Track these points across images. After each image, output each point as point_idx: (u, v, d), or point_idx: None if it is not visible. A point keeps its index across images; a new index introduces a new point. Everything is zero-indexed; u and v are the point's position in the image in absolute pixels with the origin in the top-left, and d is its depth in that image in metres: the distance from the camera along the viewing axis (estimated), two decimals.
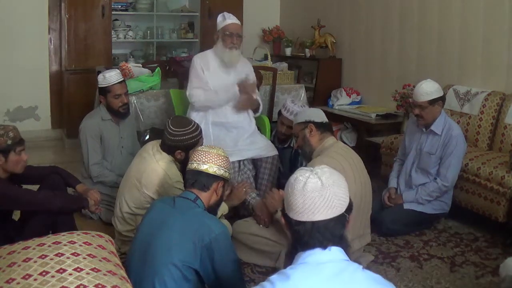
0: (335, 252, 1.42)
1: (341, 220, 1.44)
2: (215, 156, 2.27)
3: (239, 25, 3.79)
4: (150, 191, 2.90)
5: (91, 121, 3.64)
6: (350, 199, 1.48)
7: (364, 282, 1.37)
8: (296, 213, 1.44)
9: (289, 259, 1.50)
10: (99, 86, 3.62)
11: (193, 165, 2.27)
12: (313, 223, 1.42)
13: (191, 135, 2.90)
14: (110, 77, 3.58)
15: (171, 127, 2.91)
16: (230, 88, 3.67)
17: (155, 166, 2.90)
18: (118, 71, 3.71)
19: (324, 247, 1.41)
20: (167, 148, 2.93)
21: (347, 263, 1.41)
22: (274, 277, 1.39)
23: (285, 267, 1.46)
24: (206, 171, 2.24)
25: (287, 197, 1.47)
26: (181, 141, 2.88)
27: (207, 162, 2.25)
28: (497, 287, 2.71)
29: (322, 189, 1.42)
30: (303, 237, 1.43)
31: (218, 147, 2.37)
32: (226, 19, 3.72)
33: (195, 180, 2.24)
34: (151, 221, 2.18)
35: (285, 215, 1.49)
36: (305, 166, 2.87)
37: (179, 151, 2.91)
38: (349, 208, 1.47)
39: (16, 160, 2.69)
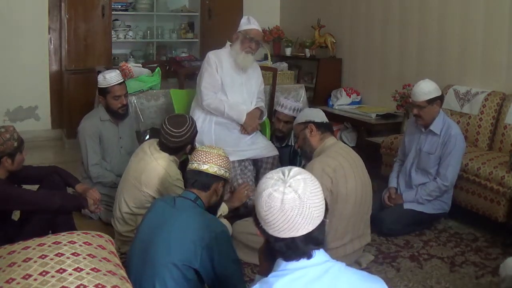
0: (318, 256, 1.38)
1: (322, 227, 1.39)
2: (216, 156, 2.28)
3: (261, 32, 3.82)
4: (150, 190, 2.90)
5: (90, 122, 3.63)
6: (325, 201, 1.41)
7: (348, 279, 1.36)
8: (276, 231, 1.36)
9: (265, 262, 1.47)
10: (99, 86, 3.60)
11: (194, 165, 2.27)
12: (294, 238, 1.35)
13: (192, 128, 2.98)
14: (110, 78, 3.56)
15: (172, 129, 2.91)
16: (239, 111, 3.70)
17: (154, 165, 2.91)
18: (118, 71, 3.70)
19: (308, 256, 1.37)
20: (174, 149, 2.96)
21: (330, 263, 1.38)
22: (256, 286, 1.36)
23: (262, 268, 1.44)
24: (207, 171, 2.25)
25: (262, 214, 1.36)
26: (187, 138, 2.95)
27: (208, 162, 2.25)
28: (497, 287, 2.71)
29: (302, 205, 1.33)
30: (286, 251, 1.37)
31: (218, 147, 2.38)
32: (250, 23, 3.71)
33: (196, 180, 2.24)
34: (151, 221, 2.18)
35: (261, 229, 1.40)
36: (305, 166, 2.89)
37: (189, 146, 3.00)
38: (326, 212, 1.41)
39: (21, 159, 2.75)
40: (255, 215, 1.42)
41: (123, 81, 3.67)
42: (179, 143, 2.93)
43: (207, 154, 2.27)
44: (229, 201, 3.09)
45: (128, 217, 2.99)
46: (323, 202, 1.39)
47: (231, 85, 3.73)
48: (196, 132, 3.04)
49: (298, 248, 1.36)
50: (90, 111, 3.90)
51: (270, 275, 1.38)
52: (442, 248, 3.28)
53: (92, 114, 3.73)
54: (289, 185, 1.35)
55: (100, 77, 3.60)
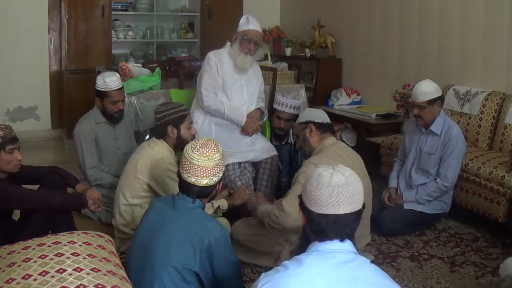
0: (348, 245, 1.51)
1: (359, 215, 1.53)
2: (213, 169, 2.14)
3: (260, 32, 3.77)
4: (145, 177, 2.96)
5: (85, 125, 3.61)
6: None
7: (372, 272, 1.45)
8: (320, 207, 1.49)
9: (300, 250, 1.56)
10: (97, 88, 3.57)
11: (191, 179, 2.13)
12: (336, 216, 1.49)
13: (176, 109, 3.04)
14: (110, 82, 3.53)
15: (158, 107, 3.11)
16: (239, 114, 3.70)
17: (149, 151, 3.01)
18: (119, 76, 3.66)
19: (342, 239, 1.50)
20: (159, 129, 3.03)
21: (356, 255, 1.50)
22: (287, 262, 1.46)
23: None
24: (207, 185, 2.15)
25: (309, 192, 1.52)
26: (168, 115, 3.00)
27: (207, 177, 2.13)
28: (497, 287, 2.71)
29: (347, 185, 1.50)
30: (324, 229, 1.49)
31: (211, 152, 2.14)
32: (249, 23, 3.66)
33: (197, 191, 2.16)
34: (150, 222, 2.18)
35: (304, 208, 1.55)
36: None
37: (171, 127, 3.00)
38: (364, 205, 1.56)
39: (7, 159, 2.65)
40: (300, 197, 1.58)
41: (122, 86, 3.65)
42: (161, 118, 3.01)
43: (205, 170, 2.12)
44: (230, 199, 3.10)
45: (124, 209, 3.02)
46: (363, 193, 1.55)
47: (231, 86, 3.72)
48: (183, 117, 3.04)
49: (335, 226, 1.49)
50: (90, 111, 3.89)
51: (302, 254, 1.49)
52: (442, 248, 3.28)
53: (87, 116, 3.69)
54: (337, 170, 1.53)
55: (99, 80, 3.56)
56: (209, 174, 2.13)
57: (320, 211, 1.50)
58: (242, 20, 3.73)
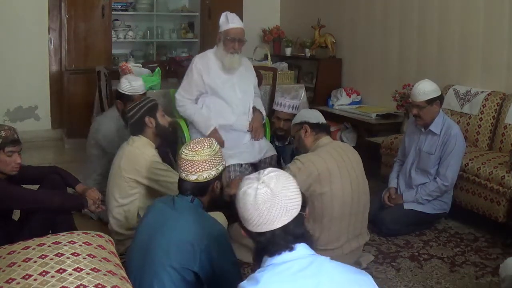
0: (301, 249, 1.43)
1: (299, 220, 1.46)
2: (201, 163, 2.15)
3: (242, 28, 3.69)
4: (131, 174, 2.95)
5: (111, 126, 3.66)
6: (302, 195, 1.48)
7: (332, 271, 1.39)
8: (253, 226, 1.44)
9: (257, 263, 1.50)
10: (123, 91, 3.60)
11: (182, 174, 2.17)
12: (273, 231, 1.42)
13: (145, 102, 3.04)
14: (138, 86, 3.60)
15: (126, 109, 3.12)
16: (206, 126, 3.65)
17: (130, 148, 3.00)
18: (142, 81, 3.72)
19: (290, 249, 1.42)
20: (136, 127, 3.02)
21: (313, 257, 1.43)
22: (244, 283, 1.40)
23: (253, 271, 1.46)
24: (197, 181, 2.17)
25: (240, 212, 1.45)
26: (140, 109, 3.00)
27: (195, 172, 2.15)
28: (497, 287, 2.71)
29: (274, 198, 1.41)
30: (267, 246, 1.43)
31: (201, 146, 2.17)
32: (229, 22, 3.62)
33: (189, 189, 2.18)
34: (150, 222, 2.18)
35: (244, 228, 1.49)
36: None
37: (148, 118, 3.00)
38: (304, 205, 1.48)
39: (5, 161, 2.64)
40: (238, 216, 1.49)
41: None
42: (134, 116, 3.00)
43: (192, 164, 2.14)
44: (226, 187, 3.11)
45: (117, 210, 3.03)
46: (298, 196, 1.46)
47: (222, 87, 3.67)
48: (154, 106, 3.03)
49: (277, 241, 1.42)
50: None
51: (256, 271, 1.42)
52: (442, 248, 3.28)
53: (109, 118, 3.74)
54: (262, 182, 1.43)
55: (125, 83, 3.60)
56: (197, 170, 2.15)
57: (255, 230, 1.44)
58: (222, 18, 3.68)
